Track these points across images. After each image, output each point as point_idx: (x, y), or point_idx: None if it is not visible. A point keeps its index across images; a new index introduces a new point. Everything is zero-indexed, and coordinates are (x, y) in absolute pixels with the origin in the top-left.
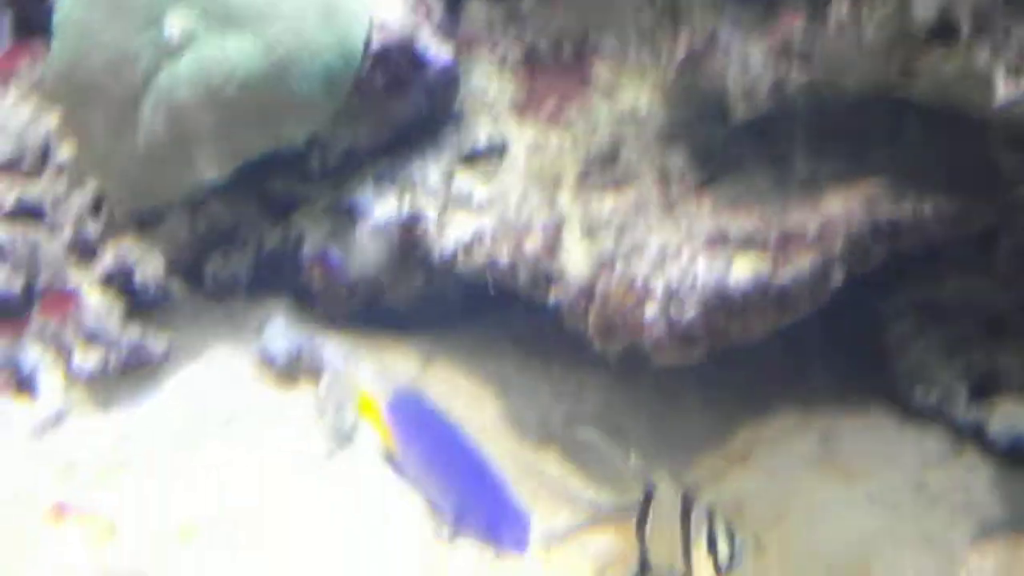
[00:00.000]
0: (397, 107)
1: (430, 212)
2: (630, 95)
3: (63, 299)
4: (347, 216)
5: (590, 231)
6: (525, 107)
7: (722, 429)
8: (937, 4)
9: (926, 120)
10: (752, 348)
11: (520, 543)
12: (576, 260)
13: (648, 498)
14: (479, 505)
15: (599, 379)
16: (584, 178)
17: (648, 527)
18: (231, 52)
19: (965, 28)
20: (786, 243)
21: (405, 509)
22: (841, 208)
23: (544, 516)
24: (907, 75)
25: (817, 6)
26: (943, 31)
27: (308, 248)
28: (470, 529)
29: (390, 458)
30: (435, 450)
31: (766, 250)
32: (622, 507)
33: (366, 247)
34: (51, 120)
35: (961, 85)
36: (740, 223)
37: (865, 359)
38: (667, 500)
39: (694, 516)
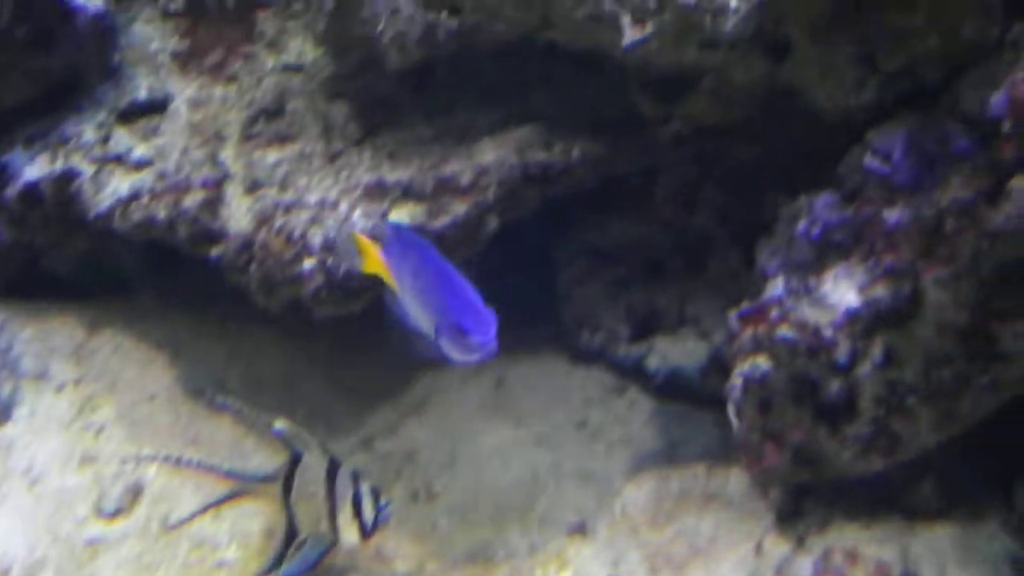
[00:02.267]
0: (44, 61)
1: (85, 170)
2: (295, 47)
3: None
4: None
5: (253, 186)
6: (188, 60)
7: (399, 380)
8: None
9: (576, 64)
10: None
11: (484, 341)
12: (238, 216)
13: (294, 464)
14: (453, 315)
15: (276, 337)
16: (248, 132)
17: (294, 494)
18: None
19: None
20: (442, 192)
21: None
22: (494, 156)
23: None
24: (547, 20)
25: None
26: None
27: None
28: (447, 335)
29: (397, 304)
30: (421, 277)
31: (423, 199)
32: (267, 475)
33: (18, 208)
34: None
35: (594, 30)
36: (399, 174)
37: (541, 304)
38: (312, 466)
39: (339, 480)
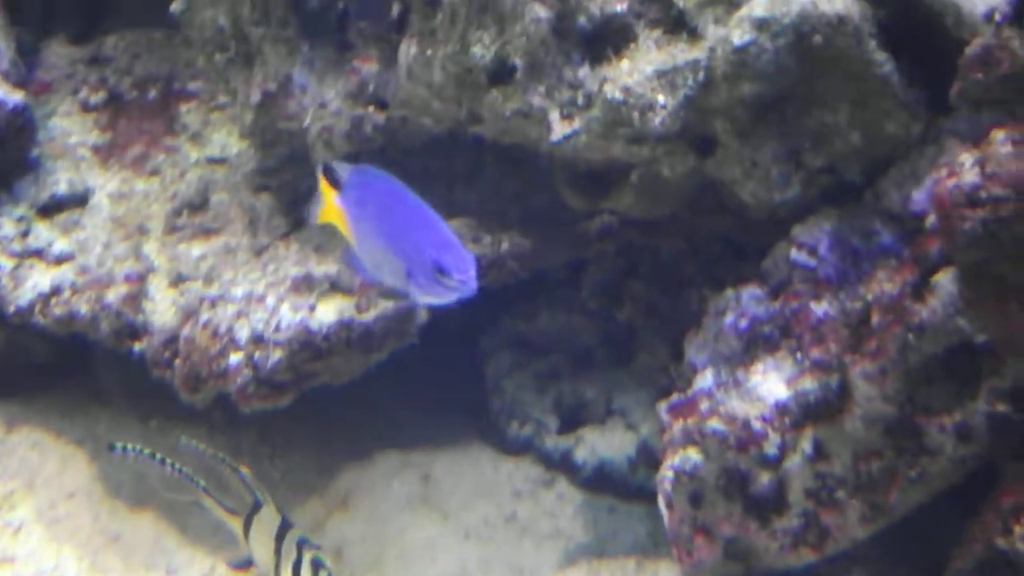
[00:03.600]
0: None
1: (4, 265)
2: (219, 139)
3: None
4: None
5: (177, 280)
6: (109, 153)
7: (324, 473)
8: (494, 46)
9: (504, 158)
10: (353, 388)
11: (465, 279)
12: (161, 310)
13: (254, 509)
14: (430, 252)
15: (199, 430)
16: (172, 225)
17: (251, 533)
18: None
19: (520, 69)
20: (369, 286)
21: None
22: None
23: None
24: (475, 115)
25: (389, 49)
26: (501, 72)
27: None
28: (422, 276)
29: (353, 257)
30: (387, 219)
31: (351, 293)
32: (232, 508)
33: None
34: None
35: (522, 125)
36: (326, 267)
37: (468, 395)
38: (267, 519)
39: (286, 541)
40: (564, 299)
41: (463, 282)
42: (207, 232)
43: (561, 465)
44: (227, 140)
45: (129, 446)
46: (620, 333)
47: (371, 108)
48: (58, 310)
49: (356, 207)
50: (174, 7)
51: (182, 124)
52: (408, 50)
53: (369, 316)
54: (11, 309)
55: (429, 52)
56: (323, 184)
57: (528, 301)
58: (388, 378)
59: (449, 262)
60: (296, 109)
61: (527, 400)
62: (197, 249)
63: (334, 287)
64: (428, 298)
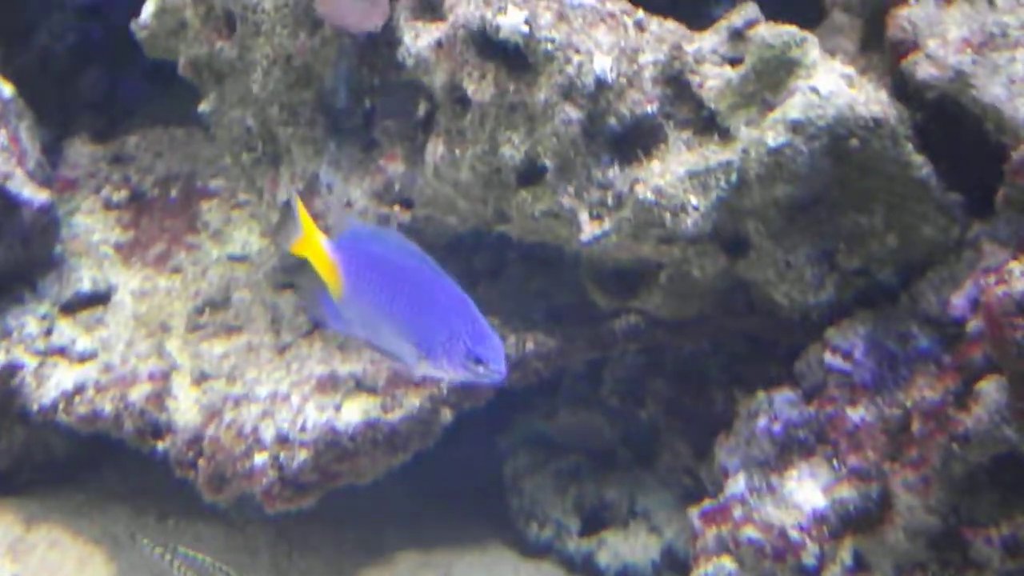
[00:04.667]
0: None
1: (28, 363)
2: (240, 237)
3: None
4: None
5: (200, 378)
6: (131, 251)
7: (343, 573)
8: (524, 147)
9: (527, 257)
10: (374, 488)
11: (499, 370)
12: (185, 409)
13: None
14: (466, 340)
15: (217, 529)
16: (194, 323)
17: None
18: None
19: (550, 170)
20: (395, 384)
21: None
22: None
23: None
24: (502, 214)
25: (415, 147)
26: (531, 173)
27: None
28: (442, 360)
29: (326, 303)
30: (400, 284)
31: (376, 392)
32: None
33: None
34: None
35: (550, 225)
36: (350, 366)
37: (487, 495)
38: None
39: None
40: (583, 396)
41: (496, 371)
42: (229, 330)
43: (583, 569)
44: (248, 238)
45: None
46: (642, 432)
47: (396, 207)
48: (82, 409)
49: (355, 258)
50: (203, 107)
51: (204, 222)
52: (435, 149)
53: (395, 416)
54: (35, 407)
55: (457, 152)
56: (302, 213)
57: (547, 397)
58: (406, 475)
59: (486, 353)
60: (322, 208)
61: (547, 500)
62: (220, 347)
63: (359, 386)
64: (442, 375)
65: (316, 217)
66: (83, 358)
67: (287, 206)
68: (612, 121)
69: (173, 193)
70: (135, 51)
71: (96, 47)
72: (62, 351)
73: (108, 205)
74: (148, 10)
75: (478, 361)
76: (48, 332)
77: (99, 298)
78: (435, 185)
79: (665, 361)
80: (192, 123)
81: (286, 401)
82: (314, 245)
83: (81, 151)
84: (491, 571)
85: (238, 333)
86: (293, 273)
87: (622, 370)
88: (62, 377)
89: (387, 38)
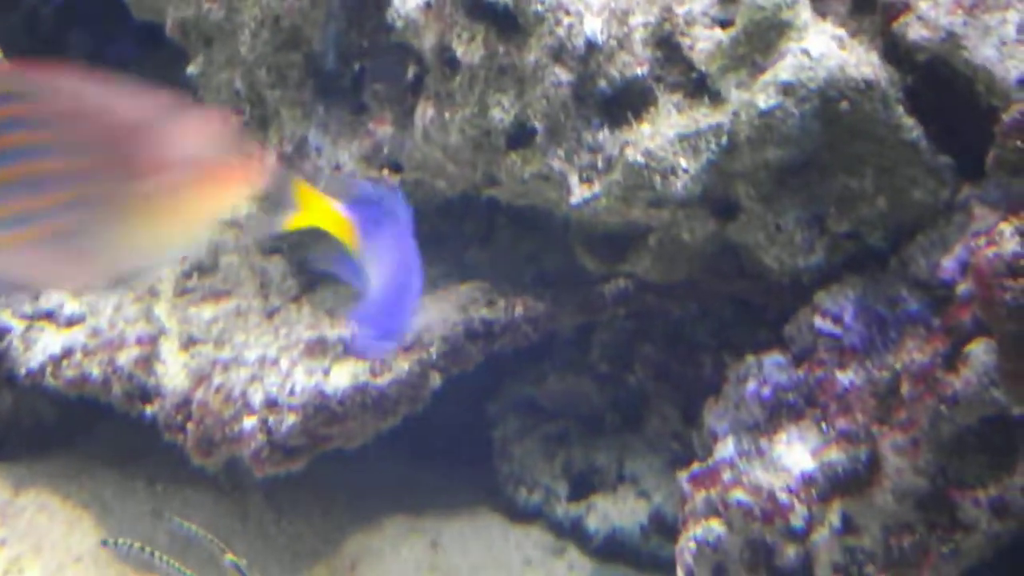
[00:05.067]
0: None
1: (15, 326)
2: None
3: None
4: None
5: (189, 342)
6: None
7: (331, 539)
8: (513, 109)
9: (517, 220)
10: (361, 453)
11: (387, 340)
12: (173, 373)
13: None
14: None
15: (206, 494)
16: (182, 288)
17: None
18: None
19: (540, 133)
20: None
21: None
22: (436, 313)
23: None
24: (492, 178)
25: (404, 110)
26: (521, 135)
27: None
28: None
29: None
30: (396, 249)
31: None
32: None
33: None
34: None
35: (540, 188)
36: (339, 330)
37: (476, 460)
38: None
39: None
40: (572, 361)
41: (377, 348)
42: (218, 295)
43: (572, 533)
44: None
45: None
46: (630, 397)
47: (385, 171)
48: (70, 372)
49: (370, 224)
50: (190, 69)
51: None
52: (424, 112)
53: (384, 380)
54: (22, 371)
55: (446, 115)
56: (304, 187)
57: (535, 362)
58: (395, 440)
59: (377, 327)
60: (311, 171)
61: (536, 465)
62: (208, 312)
63: (347, 350)
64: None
65: (305, 179)
66: (71, 322)
67: (276, 183)
68: (602, 83)
69: None
70: (122, 13)
71: (83, 9)
72: (49, 315)
73: None
74: None
75: (367, 327)
76: (35, 296)
77: None
78: (424, 148)
79: (654, 326)
80: (180, 86)
81: (275, 365)
82: (332, 217)
83: None
84: (480, 536)
85: (226, 297)
86: (279, 238)
87: (611, 335)
88: (50, 341)
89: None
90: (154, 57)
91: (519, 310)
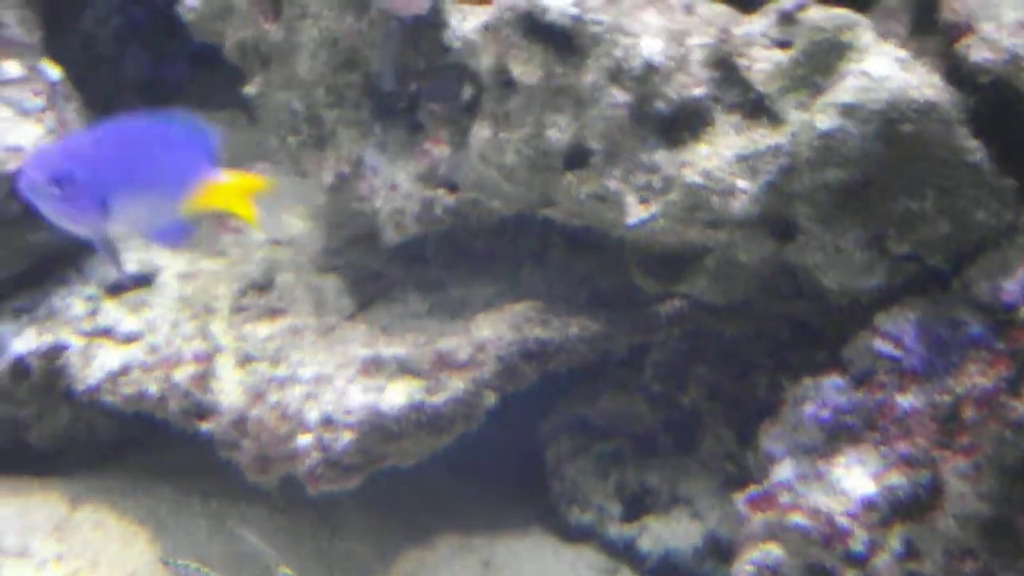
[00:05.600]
0: (35, 236)
1: (74, 343)
2: (285, 220)
3: None
4: None
5: (244, 360)
6: None
7: (384, 556)
8: (570, 130)
9: (571, 240)
10: (414, 471)
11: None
12: (229, 390)
13: None
14: None
15: (260, 511)
16: (238, 306)
17: None
18: None
19: (597, 153)
20: (439, 367)
21: None
22: (491, 332)
23: None
24: (547, 198)
25: (460, 130)
26: (577, 156)
27: None
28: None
29: None
30: None
31: (420, 375)
32: None
33: (5, 382)
34: None
35: (596, 208)
36: (395, 349)
37: (528, 479)
38: None
39: None
40: (626, 381)
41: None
42: (273, 312)
43: (625, 554)
44: (292, 221)
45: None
46: (684, 417)
47: (441, 190)
48: (127, 389)
49: None
50: (248, 89)
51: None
52: (480, 132)
53: (439, 399)
54: (80, 387)
55: (503, 135)
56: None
57: (589, 382)
58: (448, 459)
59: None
60: (367, 191)
61: (588, 485)
62: (264, 329)
63: (403, 368)
64: None
65: (362, 199)
66: (128, 339)
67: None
68: (660, 104)
69: None
70: (179, 34)
71: (140, 30)
72: (108, 332)
73: None
74: None
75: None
76: (94, 313)
77: (144, 280)
78: (480, 168)
79: (708, 346)
80: (235, 106)
81: (330, 383)
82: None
83: None
84: (532, 555)
85: (282, 315)
86: (334, 256)
87: (665, 355)
88: (108, 358)
89: (433, 21)
90: (210, 77)
91: (574, 330)
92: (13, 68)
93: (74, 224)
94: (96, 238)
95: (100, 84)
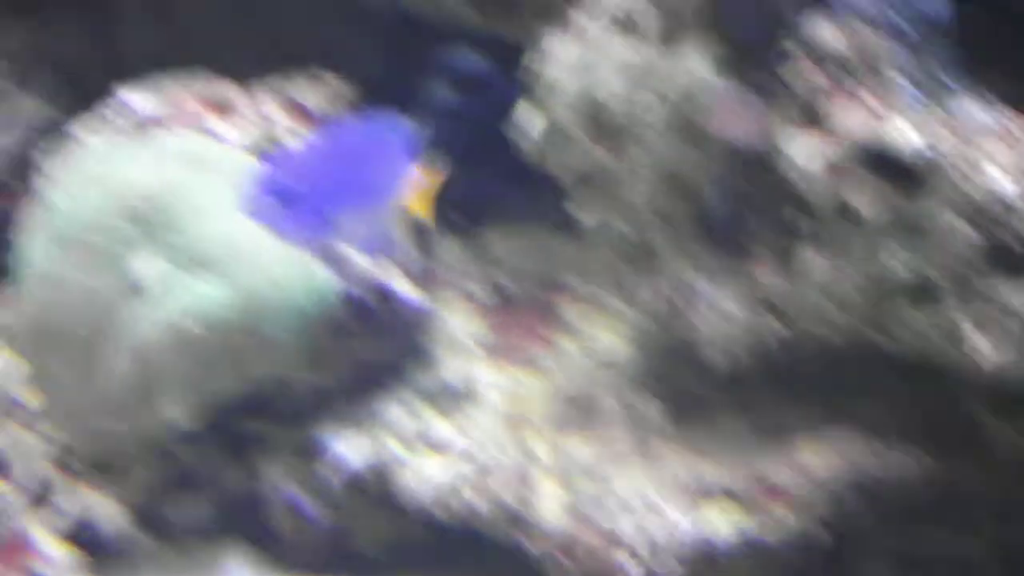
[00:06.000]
0: (366, 346)
1: (400, 454)
2: (601, 338)
3: (18, 549)
4: (313, 457)
5: (565, 477)
6: (495, 347)
7: None
8: (912, 264)
9: (905, 371)
10: None
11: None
12: (550, 507)
13: None
14: None
15: None
16: (557, 421)
17: None
18: (202, 295)
19: (942, 289)
20: (767, 497)
21: None
22: (819, 462)
23: None
24: (885, 331)
25: (792, 259)
26: (920, 290)
27: (273, 491)
28: None
29: None
30: None
31: (745, 502)
32: None
33: (333, 489)
34: (15, 366)
35: (939, 344)
36: (718, 473)
37: None
38: None
39: None
40: (960, 521)
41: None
42: (592, 430)
43: None
44: (608, 338)
45: None
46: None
47: (771, 317)
48: (452, 502)
49: None
50: (581, 215)
51: (566, 322)
52: (815, 262)
53: (770, 533)
54: (408, 499)
55: (839, 265)
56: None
57: (918, 521)
58: None
59: None
60: (695, 316)
61: None
62: (583, 447)
63: (727, 494)
64: None
65: (689, 324)
66: (451, 451)
67: None
68: (1012, 242)
69: (534, 292)
70: (497, 151)
71: (460, 148)
72: (431, 442)
73: (472, 301)
74: (530, 123)
75: None
76: (417, 423)
77: (465, 392)
78: (813, 297)
79: None
80: (553, 224)
81: (654, 507)
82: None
83: (446, 247)
84: None
85: (601, 434)
86: (653, 377)
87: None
88: (432, 469)
89: (768, 150)
90: (526, 196)
91: (911, 465)
92: None
93: (300, 241)
94: (323, 253)
95: None
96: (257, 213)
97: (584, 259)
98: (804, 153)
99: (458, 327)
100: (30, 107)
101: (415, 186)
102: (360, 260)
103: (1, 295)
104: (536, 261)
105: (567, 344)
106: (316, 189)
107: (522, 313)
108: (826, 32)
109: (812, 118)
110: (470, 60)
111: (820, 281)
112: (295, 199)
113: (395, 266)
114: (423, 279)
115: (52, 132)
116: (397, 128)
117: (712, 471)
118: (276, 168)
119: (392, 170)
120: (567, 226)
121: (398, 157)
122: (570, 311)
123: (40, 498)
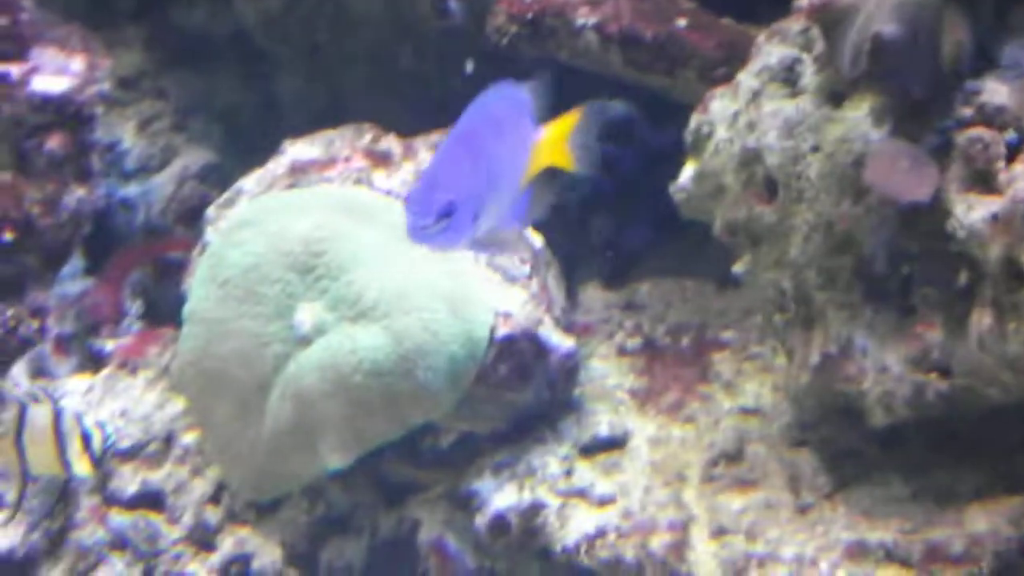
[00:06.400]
0: (518, 395)
1: (550, 503)
2: (752, 390)
3: None
4: (464, 504)
5: (719, 532)
6: (645, 398)
7: None
8: None
9: None
10: None
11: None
12: (704, 562)
13: (22, 415)
14: None
15: None
16: (709, 475)
17: (24, 440)
18: (360, 342)
19: None
20: (931, 559)
21: None
22: (987, 525)
23: None
24: None
25: (955, 315)
26: None
27: (424, 536)
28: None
29: None
30: None
31: (910, 566)
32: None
33: (485, 536)
34: (177, 407)
35: None
36: (880, 535)
37: None
38: (39, 414)
39: (65, 422)
40: None
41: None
42: (745, 484)
43: None
44: (760, 391)
45: None
46: None
47: (933, 375)
48: (603, 553)
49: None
50: (736, 267)
51: (715, 372)
52: (981, 321)
53: None
54: (558, 548)
55: (1008, 325)
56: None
57: None
58: None
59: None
60: (855, 372)
61: None
62: (736, 502)
63: (890, 556)
64: None
65: (848, 379)
66: (602, 502)
67: None
68: None
69: (684, 342)
70: (645, 199)
71: (606, 197)
72: (582, 493)
73: (622, 351)
74: (687, 174)
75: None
76: (568, 473)
77: (616, 443)
78: (979, 356)
79: None
80: (700, 275)
81: (814, 566)
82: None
83: (593, 297)
84: None
85: (754, 488)
86: (806, 431)
87: None
88: (583, 520)
89: (931, 207)
90: (670, 245)
91: None
92: None
93: (454, 247)
94: (472, 248)
95: (567, 247)
96: (420, 237)
97: (737, 310)
98: (972, 212)
99: (609, 376)
100: (194, 155)
101: (548, 142)
102: (516, 311)
103: (168, 339)
104: (683, 311)
105: (716, 395)
106: (469, 192)
107: (670, 363)
108: (997, 91)
109: (981, 177)
110: (621, 110)
111: (987, 341)
112: (454, 211)
113: (549, 316)
114: (574, 328)
115: (215, 179)
116: (515, 95)
117: (873, 532)
118: (430, 186)
119: (522, 143)
120: (719, 277)
121: (523, 128)
122: (718, 362)
123: (199, 537)
